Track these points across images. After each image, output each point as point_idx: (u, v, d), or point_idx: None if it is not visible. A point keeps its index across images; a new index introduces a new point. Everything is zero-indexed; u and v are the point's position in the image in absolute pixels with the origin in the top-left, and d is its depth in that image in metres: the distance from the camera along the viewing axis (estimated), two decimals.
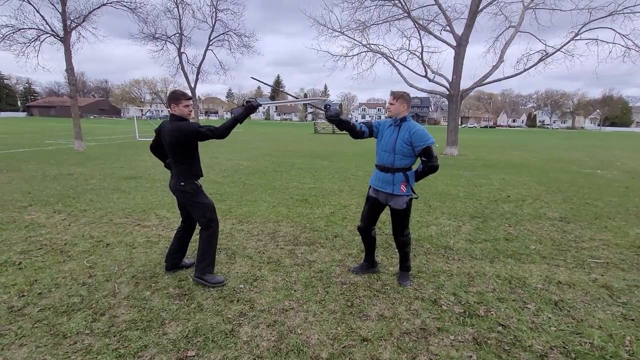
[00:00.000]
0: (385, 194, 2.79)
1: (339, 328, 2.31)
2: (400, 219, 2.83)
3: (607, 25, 12.60)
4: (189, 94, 2.77)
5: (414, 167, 2.78)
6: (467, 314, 2.50)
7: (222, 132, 2.64)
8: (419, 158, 2.70)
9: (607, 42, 12.87)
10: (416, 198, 2.80)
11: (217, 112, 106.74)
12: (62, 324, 2.26)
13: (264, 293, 2.75)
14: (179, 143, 2.67)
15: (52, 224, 4.30)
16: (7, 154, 11.01)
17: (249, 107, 2.67)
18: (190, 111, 2.76)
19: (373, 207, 2.93)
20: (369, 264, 3.16)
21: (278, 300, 2.63)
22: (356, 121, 2.94)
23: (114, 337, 2.15)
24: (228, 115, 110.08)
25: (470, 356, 2.05)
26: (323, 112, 2.78)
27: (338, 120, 2.75)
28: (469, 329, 2.32)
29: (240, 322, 2.35)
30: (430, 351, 2.09)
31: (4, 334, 2.14)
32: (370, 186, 2.93)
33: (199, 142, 2.83)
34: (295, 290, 2.80)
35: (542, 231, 4.49)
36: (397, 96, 2.69)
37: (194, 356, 2.00)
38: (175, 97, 2.70)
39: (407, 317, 2.45)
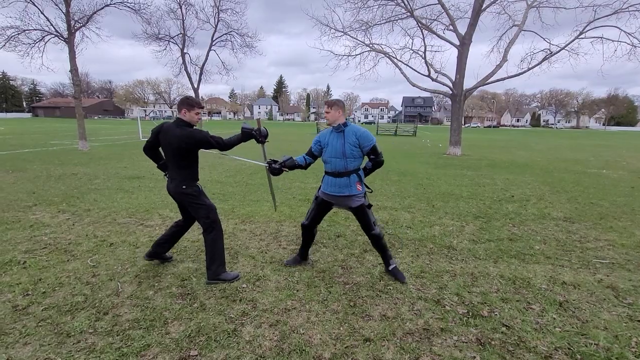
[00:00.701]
0: (343, 198, 2.89)
1: (341, 328, 2.30)
2: (364, 215, 2.94)
3: (612, 23, 12.51)
4: (202, 103, 2.87)
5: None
6: (470, 314, 2.49)
7: (227, 147, 2.83)
8: (365, 157, 2.91)
9: (612, 41, 12.75)
10: (370, 192, 2.98)
11: (219, 113, 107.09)
12: (66, 323, 2.27)
13: (267, 293, 2.75)
14: (189, 149, 2.75)
15: (57, 224, 4.32)
16: (13, 154, 11.11)
17: (249, 135, 2.86)
18: (199, 119, 2.85)
19: (322, 209, 3.07)
20: (301, 258, 3.31)
21: (280, 300, 2.63)
22: (301, 157, 3.10)
23: (117, 336, 2.16)
24: (231, 116, 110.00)
25: (474, 357, 2.04)
26: (275, 167, 2.98)
27: (289, 168, 3.01)
28: (473, 330, 2.30)
29: (243, 321, 2.35)
30: (434, 352, 2.08)
31: (9, 333, 2.16)
32: (319, 189, 3.05)
33: None
34: (297, 290, 2.80)
35: (547, 231, 4.45)
36: (330, 104, 2.84)
37: (196, 355, 2.00)
38: (190, 104, 2.76)
39: (410, 318, 2.43)
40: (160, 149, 2.94)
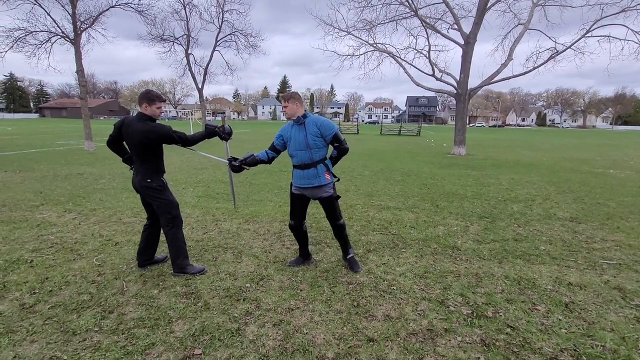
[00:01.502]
0: (312, 189, 2.93)
1: (344, 328, 2.30)
2: (332, 205, 3.00)
3: (619, 21, 12.35)
4: (163, 97, 2.88)
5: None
6: (475, 315, 2.47)
7: (190, 142, 2.86)
8: (329, 146, 2.95)
9: (619, 39, 12.59)
10: (337, 181, 3.04)
11: (224, 113, 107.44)
12: (72, 321, 2.30)
13: (270, 292, 2.75)
14: (151, 144, 2.75)
15: (63, 223, 4.37)
16: (20, 155, 11.24)
17: (213, 132, 2.93)
18: (161, 113, 2.87)
19: (299, 203, 3.09)
20: (304, 258, 3.30)
21: (284, 300, 2.64)
22: (264, 152, 3.09)
23: (122, 334, 2.18)
24: (235, 116, 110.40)
25: (478, 358, 2.02)
26: (232, 164, 3.03)
27: (250, 165, 3.02)
28: (477, 331, 2.29)
29: (247, 321, 2.35)
30: (437, 352, 2.07)
31: (16, 330, 2.19)
32: (292, 185, 3.07)
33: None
34: (301, 290, 2.80)
35: (552, 232, 4.41)
36: (286, 98, 2.87)
37: (200, 354, 2.01)
38: (150, 98, 2.76)
39: (413, 318, 2.43)
40: (125, 143, 2.96)
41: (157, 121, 2.86)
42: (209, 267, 3.17)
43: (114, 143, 2.98)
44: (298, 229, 3.15)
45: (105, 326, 2.25)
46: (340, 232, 3.12)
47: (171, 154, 12.37)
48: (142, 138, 2.72)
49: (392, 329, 2.28)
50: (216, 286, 2.82)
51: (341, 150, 2.96)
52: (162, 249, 3.43)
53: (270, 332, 2.24)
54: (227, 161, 3.06)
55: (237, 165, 3.00)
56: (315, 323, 2.34)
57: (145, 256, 3.13)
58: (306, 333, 2.23)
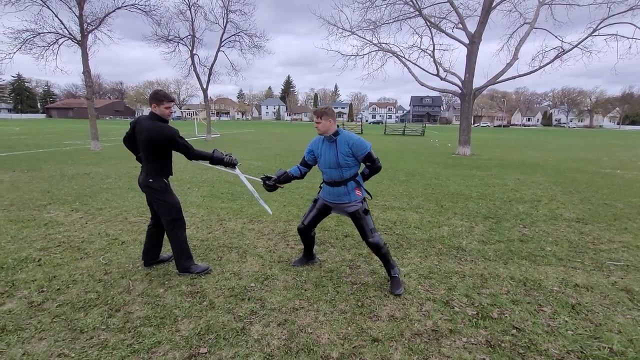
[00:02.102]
0: (341, 204, 2.84)
1: (349, 328, 2.30)
2: (362, 220, 2.81)
3: (627, 20, 12.19)
4: (173, 97, 2.88)
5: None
6: (480, 316, 2.46)
7: (193, 155, 2.85)
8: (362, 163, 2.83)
9: (627, 38, 12.46)
10: (370, 199, 2.81)
11: (228, 113, 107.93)
12: (79, 319, 2.32)
13: (275, 292, 2.76)
14: (155, 144, 2.75)
15: (70, 222, 4.42)
16: (28, 154, 11.39)
17: (222, 160, 2.97)
18: (170, 113, 2.86)
19: (320, 213, 3.02)
20: (307, 258, 3.30)
21: (288, 299, 2.65)
22: (296, 167, 3.06)
23: (129, 332, 2.20)
24: (239, 116, 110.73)
25: (484, 359, 2.02)
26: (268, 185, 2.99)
27: (283, 183, 3.00)
28: (482, 332, 2.28)
29: (251, 320, 2.37)
30: (442, 353, 2.06)
31: (25, 328, 2.22)
32: (319, 193, 3.01)
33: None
34: (305, 290, 2.81)
35: (559, 232, 4.37)
36: (319, 114, 2.75)
37: (205, 353, 2.03)
38: (158, 98, 2.77)
39: (418, 318, 2.42)
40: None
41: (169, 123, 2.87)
42: (213, 267, 3.19)
43: (129, 140, 3.02)
44: (306, 234, 3.10)
45: (112, 324, 2.28)
46: (376, 249, 2.81)
47: (177, 153, 12.44)
48: (147, 137, 2.73)
49: (397, 330, 2.28)
50: (221, 285, 2.84)
51: (373, 169, 2.85)
52: (168, 249, 3.46)
53: (275, 331, 2.25)
54: (261, 180, 3.00)
55: (271, 185, 2.95)
56: (320, 323, 2.35)
57: (151, 255, 3.15)
58: (311, 333, 2.23)
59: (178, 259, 2.97)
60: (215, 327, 2.27)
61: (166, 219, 2.91)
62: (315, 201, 3.04)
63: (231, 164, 3.04)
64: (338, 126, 2.86)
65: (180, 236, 2.96)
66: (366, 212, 2.84)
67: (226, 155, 3.01)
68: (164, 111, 2.80)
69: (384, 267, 2.94)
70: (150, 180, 2.83)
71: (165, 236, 3.09)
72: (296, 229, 4.30)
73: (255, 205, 5.45)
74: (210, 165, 3.02)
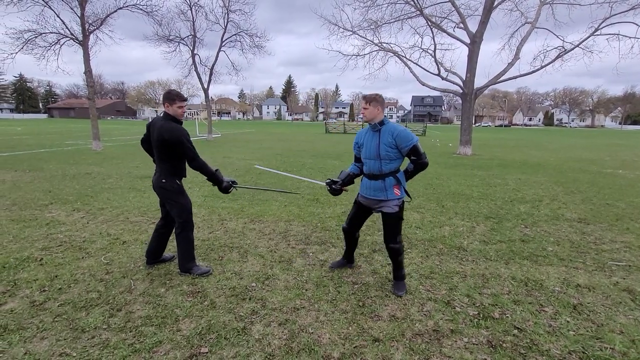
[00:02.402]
0: (377, 201, 2.70)
1: (350, 328, 2.30)
2: (393, 224, 2.69)
3: (629, 19, 12.14)
4: (185, 95, 2.85)
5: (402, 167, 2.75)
6: (481, 316, 2.46)
7: (197, 163, 2.80)
8: (406, 158, 2.67)
9: (629, 37, 12.41)
10: (409, 201, 2.67)
11: (229, 113, 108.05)
12: (80, 319, 2.33)
13: (276, 292, 2.76)
14: (165, 144, 2.74)
15: (72, 222, 4.43)
16: (30, 154, 11.42)
17: (220, 183, 2.95)
18: (184, 112, 2.83)
19: (360, 213, 2.91)
20: (347, 261, 3.22)
21: (289, 299, 2.65)
22: (353, 166, 2.99)
23: (130, 332, 2.20)
24: (240, 116, 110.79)
25: (485, 359, 2.01)
26: (334, 187, 2.91)
27: (348, 185, 2.92)
28: (484, 332, 2.27)
29: (252, 320, 2.37)
30: (443, 353, 2.06)
31: (27, 327, 2.23)
32: (358, 193, 2.90)
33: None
34: (306, 290, 2.81)
35: (560, 232, 4.36)
36: (369, 100, 2.61)
37: (207, 353, 2.03)
38: (171, 97, 2.76)
39: (419, 319, 2.42)
40: None
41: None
42: (214, 266, 3.19)
43: (146, 142, 3.02)
44: (350, 234, 3.01)
45: (113, 324, 2.28)
46: (394, 255, 2.75)
47: None
48: (158, 136, 2.73)
49: (398, 330, 2.28)
50: (222, 285, 2.84)
51: (419, 165, 2.62)
52: (169, 248, 3.47)
53: (275, 331, 2.25)
54: (326, 185, 2.94)
55: (337, 189, 2.89)
56: (321, 323, 2.35)
57: (155, 255, 3.15)
58: (312, 332, 2.23)
59: (182, 259, 2.98)
60: (217, 326, 2.27)
61: (178, 220, 2.91)
62: (355, 202, 2.94)
63: (225, 191, 3.01)
64: (385, 117, 2.73)
65: (188, 238, 2.96)
66: (400, 218, 2.69)
67: (226, 182, 2.98)
68: (176, 111, 2.77)
69: (393, 271, 2.87)
70: (163, 180, 2.82)
71: (172, 237, 3.08)
72: (297, 229, 4.31)
73: (256, 205, 5.46)
74: (207, 179, 2.97)
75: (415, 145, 2.56)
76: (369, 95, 2.63)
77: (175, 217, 2.92)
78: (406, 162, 2.72)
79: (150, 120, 2.94)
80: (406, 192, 2.70)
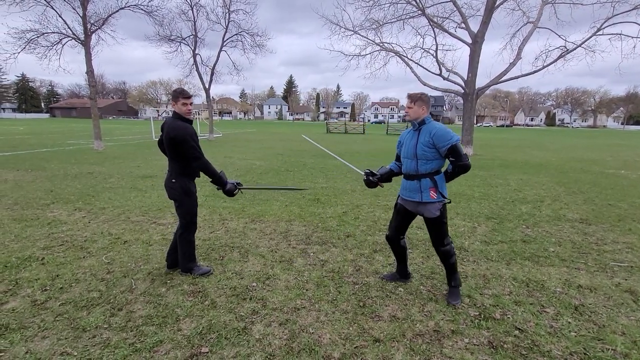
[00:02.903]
0: (414, 203, 2.60)
1: (350, 328, 2.29)
2: (436, 228, 2.59)
3: (631, 19, 12.10)
4: (189, 92, 2.82)
5: (443, 169, 2.62)
6: (482, 316, 2.45)
7: (201, 163, 2.77)
8: (447, 159, 2.54)
9: (631, 37, 12.36)
10: (449, 203, 2.61)
11: (230, 112, 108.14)
12: (82, 318, 2.33)
13: (276, 292, 2.76)
14: (172, 142, 2.73)
15: (73, 221, 4.44)
16: (32, 154, 11.45)
17: (224, 185, 2.93)
18: (189, 110, 2.81)
19: (401, 216, 2.76)
20: (400, 274, 2.98)
21: (290, 299, 2.64)
22: (393, 164, 2.89)
23: (131, 331, 2.20)
24: (241, 116, 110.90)
25: None
26: (373, 180, 2.82)
27: (385, 182, 2.84)
28: (485, 332, 2.27)
29: (253, 320, 2.37)
30: (444, 354, 2.06)
31: (28, 326, 2.23)
32: (398, 195, 2.79)
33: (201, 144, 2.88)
34: (307, 290, 2.80)
35: (562, 233, 4.35)
36: (414, 99, 2.51)
37: (207, 352, 2.03)
38: (174, 95, 2.77)
39: (420, 319, 2.41)
40: None
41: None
42: (215, 266, 3.19)
43: (161, 143, 3.01)
44: (394, 242, 2.84)
45: (114, 323, 2.29)
46: (444, 258, 2.65)
47: None
48: (166, 134, 2.73)
49: (399, 330, 2.27)
50: (223, 285, 2.84)
51: (458, 167, 2.47)
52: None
53: (276, 331, 2.25)
54: (364, 174, 2.83)
55: (374, 182, 2.78)
56: (322, 323, 2.35)
57: (174, 257, 3.09)
58: (312, 333, 2.23)
59: (182, 260, 2.99)
60: (217, 326, 2.28)
61: (181, 220, 2.92)
62: (395, 205, 2.83)
63: (229, 194, 3.00)
64: (428, 117, 2.58)
65: (188, 240, 2.96)
66: (443, 221, 2.59)
67: (230, 184, 2.96)
68: (181, 108, 2.76)
69: (447, 277, 2.75)
70: (173, 180, 2.82)
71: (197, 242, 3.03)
72: (298, 229, 4.31)
73: (257, 204, 5.46)
74: (211, 182, 2.95)
75: (454, 145, 2.41)
76: (414, 94, 2.54)
77: (179, 217, 2.92)
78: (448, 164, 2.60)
79: (164, 121, 2.94)
80: (443, 195, 2.54)
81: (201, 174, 2.93)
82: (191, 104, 2.83)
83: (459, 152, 2.44)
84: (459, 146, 2.44)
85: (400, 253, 2.90)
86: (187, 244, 2.97)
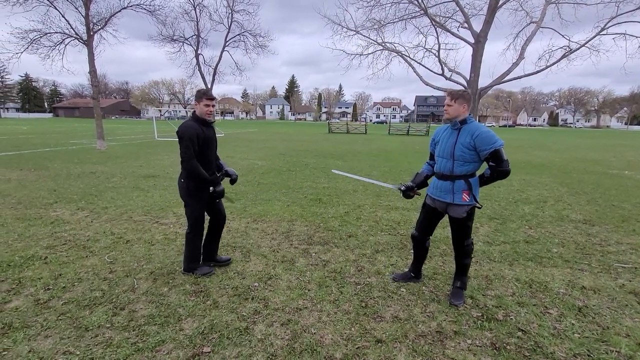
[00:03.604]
0: (444, 204, 2.55)
1: (352, 328, 2.29)
2: (460, 229, 2.55)
3: (636, 18, 12.02)
4: (212, 93, 2.78)
5: (479, 172, 2.53)
6: (485, 317, 2.44)
7: (189, 166, 2.68)
8: (484, 162, 2.45)
9: (636, 37, 12.29)
10: (479, 208, 2.56)
11: (232, 112, 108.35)
12: (84, 317, 2.34)
13: (278, 292, 2.76)
14: (178, 141, 2.71)
15: (76, 221, 4.46)
16: (35, 153, 11.51)
17: (216, 185, 2.84)
18: (210, 112, 2.76)
19: (429, 216, 2.71)
20: (414, 274, 2.95)
21: (292, 299, 2.64)
22: (426, 165, 2.83)
23: (133, 331, 2.21)
24: (243, 115, 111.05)
25: None
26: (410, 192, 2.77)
27: (422, 186, 2.78)
28: (487, 334, 2.26)
29: (255, 320, 2.37)
30: (447, 355, 2.05)
31: (31, 325, 2.24)
32: (427, 194, 2.74)
33: (213, 143, 2.88)
34: (309, 290, 2.80)
35: (565, 234, 4.32)
36: (455, 96, 2.41)
37: (209, 352, 2.03)
38: (198, 94, 2.74)
39: (422, 320, 2.40)
40: None
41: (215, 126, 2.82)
42: (216, 266, 3.19)
43: None
44: (420, 242, 2.81)
45: (116, 323, 2.29)
46: (460, 257, 2.63)
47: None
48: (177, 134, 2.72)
49: (401, 331, 2.27)
50: (225, 285, 2.85)
51: (497, 172, 2.37)
52: (226, 251, 3.48)
53: (278, 331, 2.24)
54: (399, 190, 2.77)
55: (411, 195, 2.75)
56: (323, 323, 2.34)
57: (208, 250, 3.10)
58: (314, 333, 2.23)
59: (185, 259, 3.00)
60: (219, 326, 2.28)
61: (188, 221, 2.91)
62: (423, 205, 2.78)
63: (219, 195, 2.90)
64: (470, 116, 2.48)
65: (193, 241, 2.95)
66: (468, 223, 2.54)
67: (220, 188, 2.86)
68: (202, 109, 2.72)
69: (455, 276, 2.73)
70: (182, 180, 2.82)
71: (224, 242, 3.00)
72: (300, 229, 4.31)
73: (259, 204, 5.46)
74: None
75: (497, 150, 2.32)
76: (456, 92, 2.44)
77: (188, 217, 2.91)
78: (484, 167, 2.52)
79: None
80: (475, 199, 2.48)
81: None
82: (213, 106, 2.79)
83: (502, 158, 2.34)
84: (502, 151, 2.35)
85: (421, 253, 2.88)
86: (192, 245, 2.96)
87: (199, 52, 19.80)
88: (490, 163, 2.39)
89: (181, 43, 19.46)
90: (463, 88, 2.47)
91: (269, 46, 21.08)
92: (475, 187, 2.48)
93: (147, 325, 2.27)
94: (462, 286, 2.69)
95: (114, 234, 4.02)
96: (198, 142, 2.70)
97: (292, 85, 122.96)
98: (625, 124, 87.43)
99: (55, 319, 2.32)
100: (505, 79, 13.73)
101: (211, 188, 2.86)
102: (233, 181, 3.11)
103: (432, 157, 2.73)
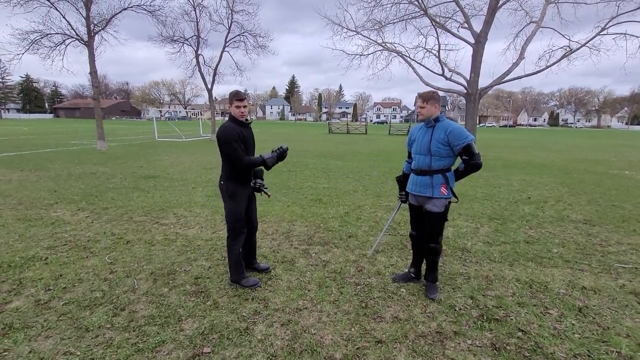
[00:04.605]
0: (423, 198, 2.66)
1: (352, 329, 2.29)
2: (435, 224, 2.65)
3: (636, 18, 12.01)
4: (243, 94, 2.73)
5: (454, 167, 2.66)
6: (485, 318, 2.44)
7: (246, 163, 2.67)
8: (458, 157, 2.60)
9: (636, 37, 12.27)
10: (456, 202, 2.67)
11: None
12: (84, 318, 2.34)
13: (278, 292, 2.76)
14: (218, 144, 2.66)
15: (76, 221, 4.47)
16: (35, 154, 11.53)
17: (281, 154, 2.81)
18: (242, 113, 2.71)
19: (415, 213, 2.83)
20: (414, 275, 2.97)
21: (292, 300, 2.64)
22: (406, 164, 2.97)
23: (134, 331, 2.21)
24: None
25: None
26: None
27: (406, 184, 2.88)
28: (487, 334, 2.26)
29: (255, 320, 2.37)
30: (447, 355, 2.05)
31: (32, 326, 2.24)
32: (408, 192, 2.83)
33: (251, 143, 2.81)
34: (309, 290, 2.80)
35: (565, 234, 4.32)
36: (427, 98, 2.58)
37: (209, 353, 2.03)
38: (229, 97, 2.72)
39: (422, 320, 2.40)
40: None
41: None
42: (218, 266, 3.20)
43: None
44: (417, 240, 2.88)
45: (116, 323, 2.29)
46: (430, 254, 2.74)
47: (182, 153, 12.51)
48: (216, 135, 2.68)
49: (401, 331, 2.27)
50: (225, 285, 2.85)
51: (470, 165, 2.53)
52: (264, 260, 3.38)
53: (278, 331, 2.25)
54: (402, 202, 2.96)
55: (404, 200, 2.92)
56: (323, 323, 2.34)
57: (247, 257, 3.01)
58: (314, 333, 2.23)
59: (230, 269, 2.87)
60: (219, 326, 2.28)
61: (226, 225, 2.83)
62: (409, 206, 2.89)
63: (281, 155, 2.83)
64: (441, 114, 2.66)
65: (232, 249, 2.81)
66: (445, 219, 2.68)
67: (274, 151, 2.81)
68: (234, 110, 2.70)
69: (425, 272, 2.83)
70: (221, 182, 2.77)
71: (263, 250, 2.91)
72: (300, 229, 4.31)
73: (259, 205, 5.45)
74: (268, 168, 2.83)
75: (469, 144, 2.49)
76: (426, 94, 2.61)
77: (226, 221, 2.84)
78: (458, 162, 2.66)
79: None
80: (453, 193, 2.63)
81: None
82: (245, 106, 2.74)
83: (473, 151, 2.50)
84: (473, 145, 2.52)
85: (419, 253, 2.93)
86: (232, 253, 2.81)
87: (199, 52, 19.78)
88: (464, 157, 2.55)
89: (181, 43, 19.44)
90: (432, 89, 2.56)
91: (269, 46, 21.09)
92: (452, 181, 2.63)
93: (148, 325, 2.27)
94: (433, 280, 2.79)
95: (114, 234, 4.02)
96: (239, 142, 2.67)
97: (293, 85, 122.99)
98: (626, 124, 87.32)
99: (55, 319, 2.32)
100: (506, 79, 13.72)
101: (276, 154, 2.80)
102: (284, 152, 2.86)
103: (409, 155, 2.87)
